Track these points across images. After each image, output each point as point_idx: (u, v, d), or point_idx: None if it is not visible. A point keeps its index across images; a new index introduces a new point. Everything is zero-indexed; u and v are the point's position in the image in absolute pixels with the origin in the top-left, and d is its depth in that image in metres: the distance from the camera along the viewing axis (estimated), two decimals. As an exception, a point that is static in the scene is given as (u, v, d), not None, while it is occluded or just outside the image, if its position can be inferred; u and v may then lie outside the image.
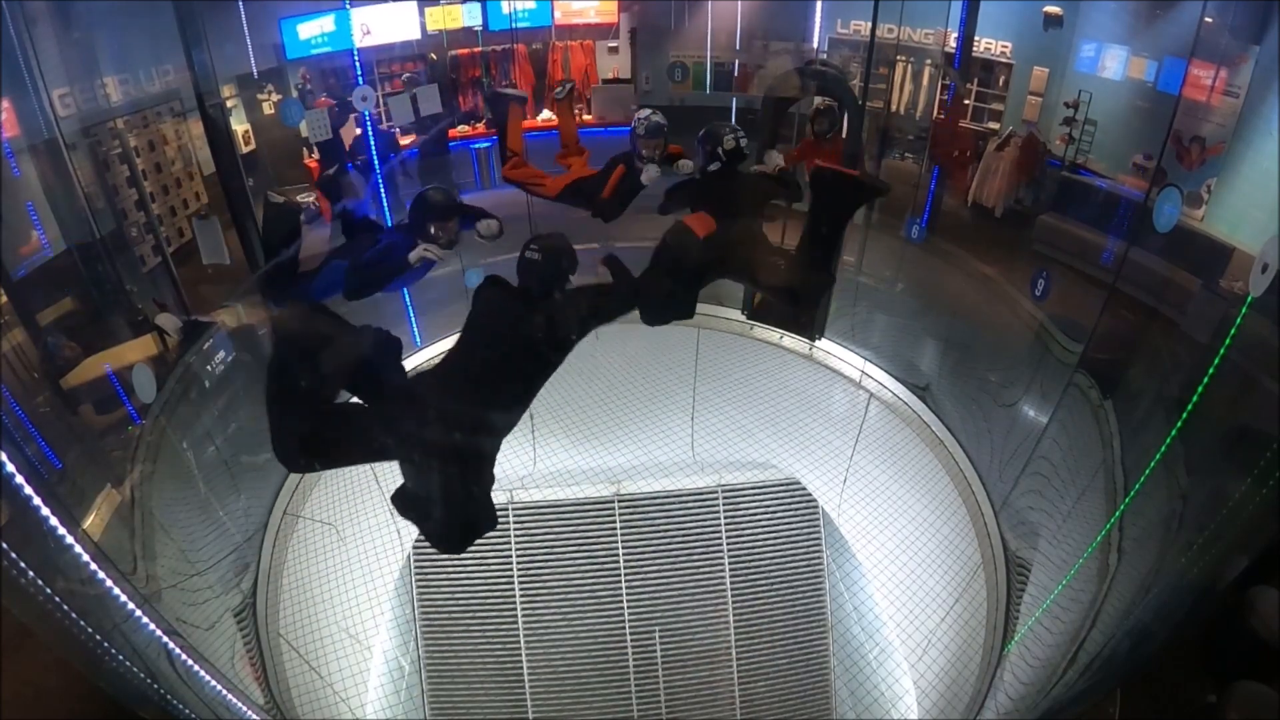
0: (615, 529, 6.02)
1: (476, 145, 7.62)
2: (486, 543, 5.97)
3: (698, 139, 3.92)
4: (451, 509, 2.85)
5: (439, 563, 5.95)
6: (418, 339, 5.93)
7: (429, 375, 3.11)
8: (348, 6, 6.04)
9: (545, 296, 2.91)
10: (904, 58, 7.00)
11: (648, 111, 4.01)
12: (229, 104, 5.69)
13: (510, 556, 5.95)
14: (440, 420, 2.79)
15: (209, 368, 4.48)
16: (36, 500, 2.37)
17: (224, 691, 3.32)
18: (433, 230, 3.41)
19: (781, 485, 6.18)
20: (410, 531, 5.57)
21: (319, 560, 4.91)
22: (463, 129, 7.75)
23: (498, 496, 5.99)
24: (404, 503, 2.91)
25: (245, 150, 6.05)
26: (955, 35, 6.27)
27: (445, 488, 2.83)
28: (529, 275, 2.90)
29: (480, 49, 7.83)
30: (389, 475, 5.51)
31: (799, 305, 4.62)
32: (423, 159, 7.17)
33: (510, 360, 2.91)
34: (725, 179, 3.87)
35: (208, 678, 3.22)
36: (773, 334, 6.12)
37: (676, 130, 4.26)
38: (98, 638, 2.54)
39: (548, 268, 2.88)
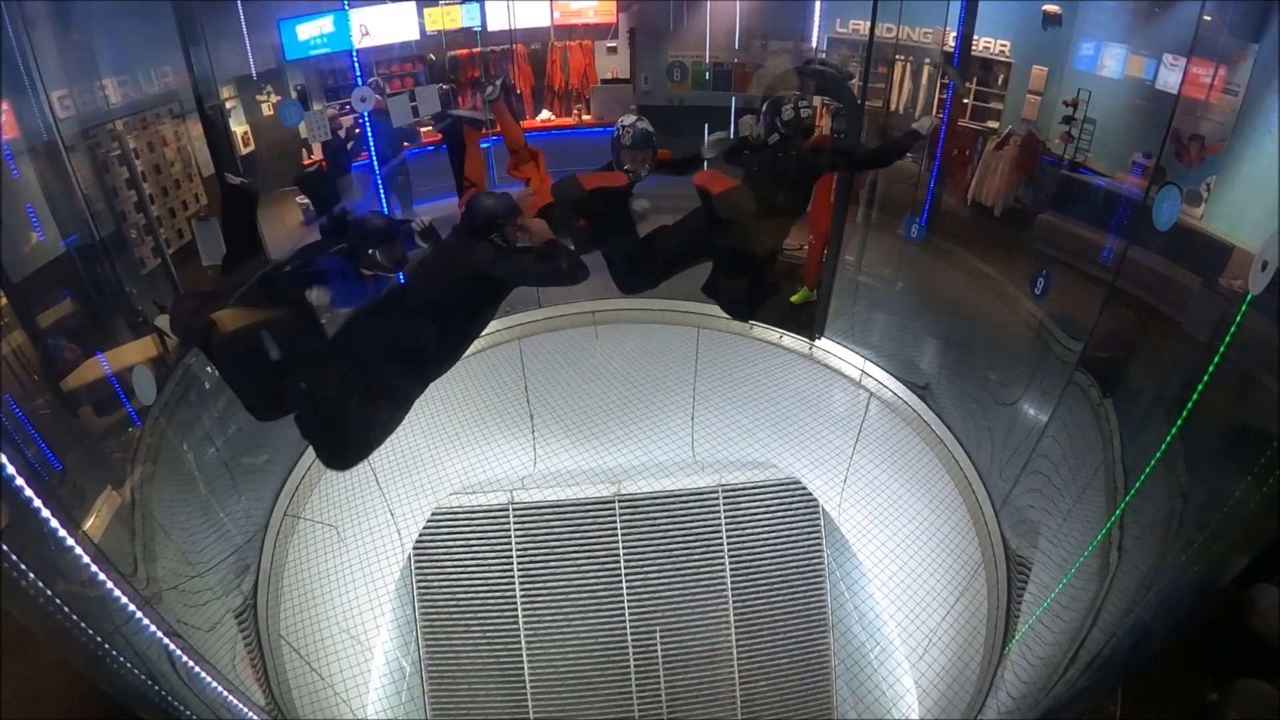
0: (615, 529, 6.03)
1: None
2: (487, 543, 5.98)
3: (762, 110, 3.84)
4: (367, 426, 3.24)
5: (439, 563, 5.96)
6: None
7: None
8: (346, 8, 6.04)
9: (486, 236, 3.23)
10: (903, 57, 7.00)
11: (633, 118, 3.77)
12: (228, 105, 5.70)
13: (511, 556, 5.95)
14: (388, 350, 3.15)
15: (209, 369, 4.48)
16: (37, 502, 2.37)
17: (225, 692, 3.33)
18: (375, 254, 3.40)
19: (782, 485, 6.18)
20: (410, 531, 5.57)
21: (319, 561, 4.91)
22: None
23: (498, 497, 6.06)
24: (309, 424, 3.21)
25: (244, 151, 6.06)
26: (954, 34, 6.27)
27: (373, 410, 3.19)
28: (469, 219, 3.29)
29: (479, 49, 7.83)
30: (389, 476, 5.53)
31: (738, 306, 4.41)
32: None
33: (454, 292, 3.21)
34: (783, 151, 3.76)
35: (208, 679, 3.22)
36: (773, 334, 6.13)
37: (677, 130, 4.17)
38: (98, 639, 2.55)
39: (479, 212, 3.26)
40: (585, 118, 8.21)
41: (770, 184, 3.75)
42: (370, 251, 3.39)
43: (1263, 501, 2.66)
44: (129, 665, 2.72)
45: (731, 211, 3.67)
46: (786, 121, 3.72)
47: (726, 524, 6.13)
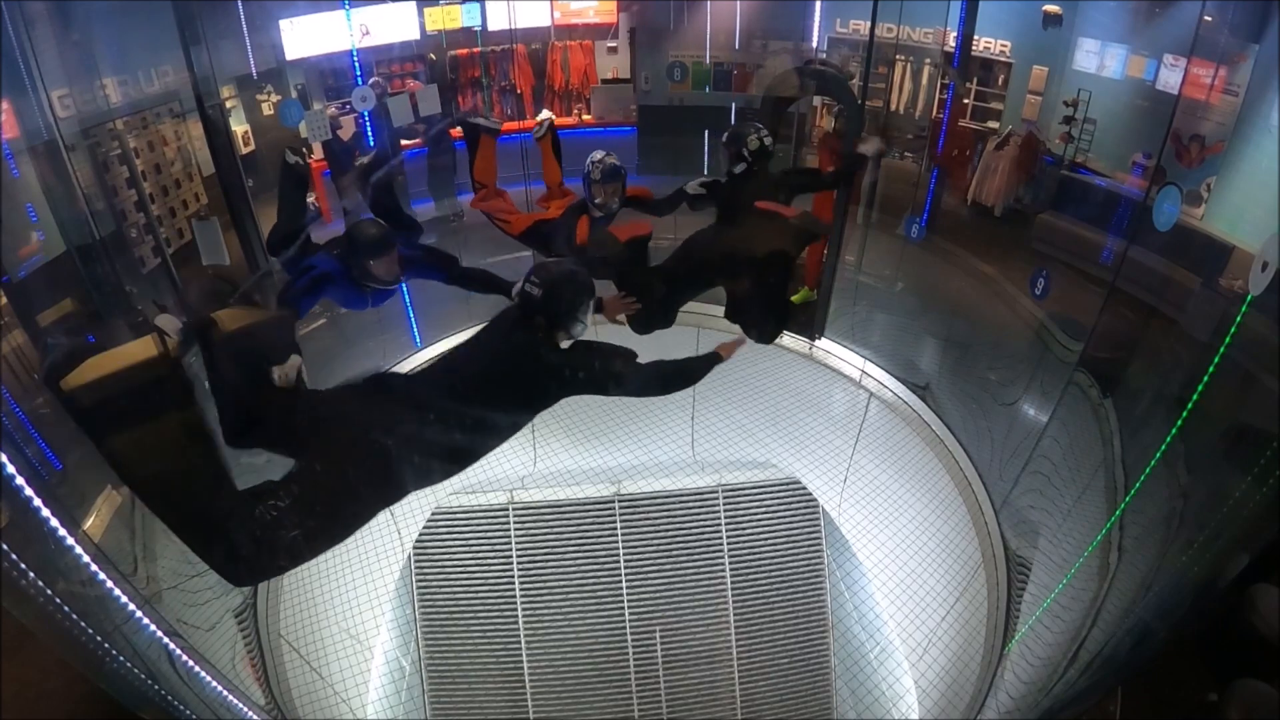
0: (615, 529, 6.02)
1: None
2: (487, 543, 5.98)
3: (722, 142, 3.92)
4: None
5: (439, 563, 5.96)
6: (418, 340, 5.94)
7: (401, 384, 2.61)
8: (346, 7, 6.03)
9: (551, 334, 2.55)
10: (903, 57, 7.01)
11: (602, 154, 3.83)
12: (228, 105, 5.70)
13: (510, 556, 5.95)
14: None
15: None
16: (37, 501, 2.37)
17: (225, 692, 3.33)
18: (371, 267, 3.28)
19: (782, 485, 6.18)
20: (410, 531, 5.57)
21: (319, 560, 4.89)
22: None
23: (498, 497, 6.05)
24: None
25: (245, 151, 6.06)
26: (954, 34, 6.27)
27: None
28: (531, 311, 2.53)
29: (480, 49, 7.83)
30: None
31: (757, 326, 4.38)
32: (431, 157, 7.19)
33: (486, 391, 2.47)
34: (751, 180, 3.85)
35: (208, 678, 3.22)
36: (773, 333, 6.11)
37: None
38: (98, 639, 2.54)
39: (552, 302, 2.50)
40: (585, 118, 8.21)
41: (746, 211, 3.82)
42: (366, 264, 3.27)
43: (1263, 501, 2.67)
44: (129, 665, 2.72)
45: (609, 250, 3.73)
46: (754, 151, 3.79)
47: (726, 524, 6.12)
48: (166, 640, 2.98)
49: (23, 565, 2.19)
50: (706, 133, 6.87)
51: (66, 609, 2.39)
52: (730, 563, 6.11)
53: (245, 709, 3.49)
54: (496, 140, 4.17)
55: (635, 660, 5.97)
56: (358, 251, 3.28)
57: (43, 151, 4.08)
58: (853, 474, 5.58)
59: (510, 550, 5.95)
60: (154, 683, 2.84)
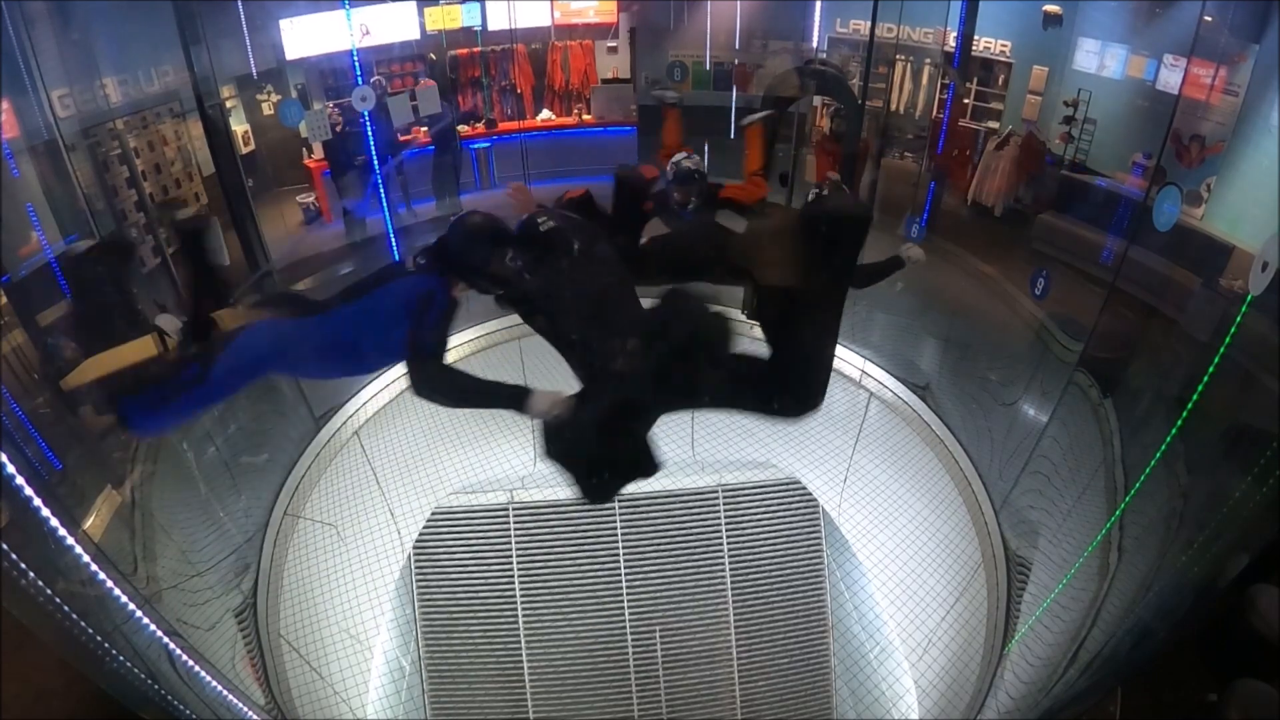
0: (615, 529, 6.02)
1: (476, 145, 7.62)
2: (487, 543, 5.97)
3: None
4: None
5: (439, 562, 5.95)
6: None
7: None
8: (346, 7, 6.04)
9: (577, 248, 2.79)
10: (903, 57, 7.00)
11: (681, 155, 3.92)
12: (228, 105, 5.70)
13: (510, 556, 5.94)
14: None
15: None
16: (37, 501, 2.37)
17: (225, 692, 3.33)
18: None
19: (782, 485, 6.18)
20: (410, 531, 5.57)
21: (319, 560, 4.91)
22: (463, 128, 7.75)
23: (498, 496, 6.04)
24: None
25: (245, 151, 6.06)
26: (954, 34, 6.28)
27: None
28: (561, 237, 2.75)
29: (480, 49, 7.83)
30: (389, 476, 5.51)
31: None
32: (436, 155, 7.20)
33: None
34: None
35: (208, 678, 3.22)
36: (773, 333, 6.11)
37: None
38: (98, 639, 2.54)
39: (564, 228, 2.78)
40: (585, 117, 8.21)
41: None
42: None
43: (1263, 501, 2.67)
44: (129, 665, 2.72)
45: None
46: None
47: (726, 524, 6.12)
48: (166, 640, 2.98)
49: (23, 565, 2.19)
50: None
51: (66, 609, 2.39)
52: (730, 563, 6.11)
53: (245, 709, 3.49)
54: (680, 109, 4.69)
55: (635, 660, 5.97)
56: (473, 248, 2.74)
57: (43, 151, 4.08)
58: (853, 474, 5.58)
59: (510, 550, 5.95)
60: (154, 683, 2.84)
